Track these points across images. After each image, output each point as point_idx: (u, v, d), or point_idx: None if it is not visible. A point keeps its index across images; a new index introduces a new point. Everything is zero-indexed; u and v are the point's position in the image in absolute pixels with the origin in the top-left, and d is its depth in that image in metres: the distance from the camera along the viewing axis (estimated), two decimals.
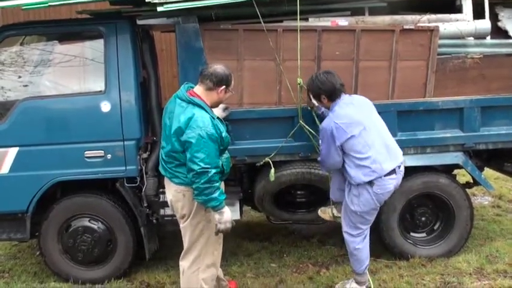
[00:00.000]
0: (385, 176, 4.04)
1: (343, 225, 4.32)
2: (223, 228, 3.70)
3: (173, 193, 3.85)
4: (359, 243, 4.25)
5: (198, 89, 3.80)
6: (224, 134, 3.75)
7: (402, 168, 4.22)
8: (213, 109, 3.96)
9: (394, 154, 4.15)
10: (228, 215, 3.71)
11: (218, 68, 3.79)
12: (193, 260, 3.89)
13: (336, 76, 4.19)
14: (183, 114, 3.65)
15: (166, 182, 3.94)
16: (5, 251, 5.86)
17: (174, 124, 3.69)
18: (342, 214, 4.34)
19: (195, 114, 3.61)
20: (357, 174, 4.05)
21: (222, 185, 3.90)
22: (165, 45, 7.75)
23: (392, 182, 4.12)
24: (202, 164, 3.53)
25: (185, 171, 3.68)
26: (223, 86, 3.77)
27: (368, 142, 4.02)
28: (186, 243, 3.93)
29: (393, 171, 4.09)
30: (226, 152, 3.95)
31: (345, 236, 4.31)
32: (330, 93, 4.14)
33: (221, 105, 4.20)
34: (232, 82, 3.87)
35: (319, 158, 4.27)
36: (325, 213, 4.75)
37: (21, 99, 4.58)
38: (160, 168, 3.98)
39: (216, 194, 3.60)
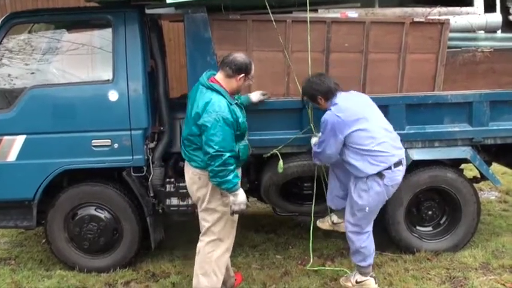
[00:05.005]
0: (394, 167, 4.04)
1: (348, 226, 4.28)
2: (237, 209, 3.83)
3: (190, 175, 3.99)
4: (365, 240, 4.23)
5: (219, 76, 3.91)
6: (241, 119, 3.86)
7: (405, 159, 4.22)
8: (251, 93, 4.32)
9: (397, 143, 4.17)
10: (242, 196, 3.83)
11: (238, 56, 3.89)
12: (209, 242, 4.00)
13: (328, 77, 4.24)
14: (202, 99, 3.79)
15: (186, 165, 4.07)
16: (12, 238, 5.90)
17: (193, 109, 3.82)
18: (347, 214, 4.29)
19: (212, 99, 3.74)
20: (364, 166, 4.03)
21: (239, 171, 4.02)
22: (173, 35, 7.74)
23: (400, 174, 4.12)
24: (217, 147, 3.65)
25: (201, 155, 3.80)
26: (243, 74, 3.87)
27: (372, 133, 4.02)
28: (203, 226, 4.03)
29: (400, 163, 4.10)
30: (246, 139, 4.05)
31: (351, 235, 4.26)
32: (325, 93, 4.14)
33: (260, 91, 4.46)
34: (253, 70, 3.95)
35: (314, 149, 4.27)
36: (324, 223, 4.75)
37: (29, 87, 4.59)
38: (182, 152, 4.09)
39: (230, 177, 3.71)
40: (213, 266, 3.99)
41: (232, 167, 3.72)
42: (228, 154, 3.68)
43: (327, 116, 4.08)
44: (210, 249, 3.99)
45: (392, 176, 4.05)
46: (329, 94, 4.14)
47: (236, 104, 3.91)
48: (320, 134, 4.19)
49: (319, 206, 4.96)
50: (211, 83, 3.84)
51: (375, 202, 4.12)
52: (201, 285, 4.02)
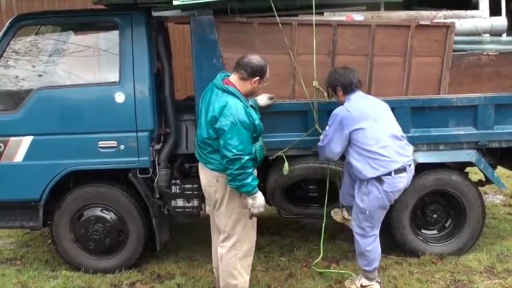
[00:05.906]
0: (395, 174, 4.03)
1: (354, 226, 4.31)
2: (256, 212, 3.83)
3: (207, 178, 3.97)
4: (370, 244, 4.24)
5: (233, 78, 3.89)
6: (257, 121, 3.85)
7: (412, 167, 4.21)
8: (258, 97, 4.26)
9: (404, 151, 4.14)
10: (261, 199, 3.82)
11: (253, 58, 3.87)
12: (231, 247, 3.98)
13: (355, 72, 4.24)
14: (217, 102, 3.76)
15: (201, 167, 4.05)
16: (17, 238, 5.92)
17: (209, 112, 3.79)
18: (353, 215, 4.34)
19: (228, 102, 3.72)
20: (365, 168, 4.05)
21: (255, 172, 3.99)
22: (178, 37, 7.75)
23: (402, 181, 4.11)
24: (235, 151, 3.64)
25: (218, 157, 3.79)
26: (257, 77, 3.86)
27: (377, 136, 4.03)
28: (223, 230, 4.00)
29: (403, 169, 4.08)
30: (260, 139, 4.03)
31: (356, 236, 4.29)
32: (345, 86, 4.18)
33: (267, 95, 4.42)
34: (267, 73, 3.93)
35: (319, 143, 4.28)
36: (337, 214, 4.80)
37: (36, 89, 4.61)
38: (196, 154, 4.08)
39: (249, 180, 3.71)
40: (238, 268, 3.99)
41: (250, 170, 3.71)
42: (246, 157, 3.67)
43: (337, 110, 4.14)
44: (232, 253, 3.97)
45: (392, 182, 4.04)
46: (348, 88, 4.18)
47: (251, 106, 3.90)
48: (327, 128, 4.21)
49: (326, 208, 4.97)
50: (226, 86, 3.82)
51: (375, 207, 4.13)
52: (230, 286, 4.03)
